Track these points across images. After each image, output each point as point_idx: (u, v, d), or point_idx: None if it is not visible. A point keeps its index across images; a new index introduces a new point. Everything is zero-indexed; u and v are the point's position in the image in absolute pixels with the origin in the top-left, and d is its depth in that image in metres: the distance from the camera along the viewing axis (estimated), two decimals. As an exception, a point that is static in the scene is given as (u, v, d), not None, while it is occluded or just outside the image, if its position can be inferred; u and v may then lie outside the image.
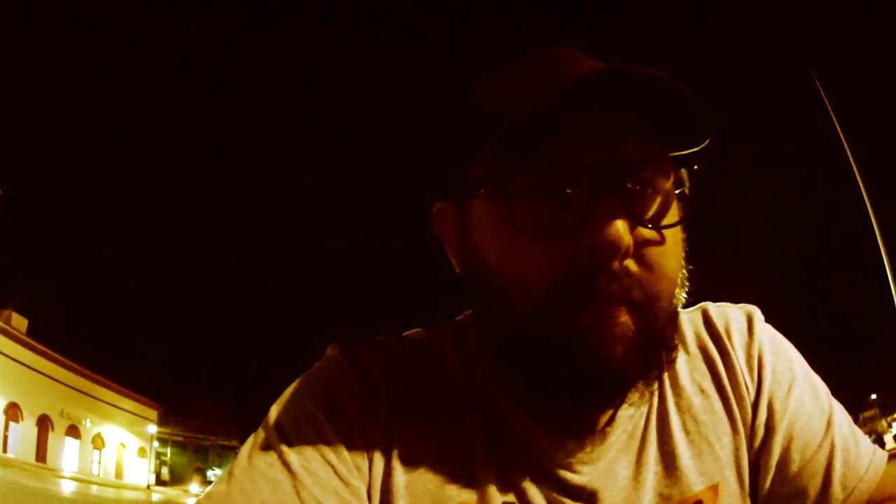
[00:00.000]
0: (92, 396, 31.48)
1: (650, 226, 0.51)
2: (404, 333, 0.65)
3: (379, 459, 0.55)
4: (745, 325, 0.65)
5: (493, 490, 0.55)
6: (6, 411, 24.84)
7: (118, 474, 32.55)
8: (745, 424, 0.61)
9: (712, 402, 0.61)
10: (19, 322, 27.53)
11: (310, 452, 0.52)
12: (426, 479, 0.55)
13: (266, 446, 0.53)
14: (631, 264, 0.50)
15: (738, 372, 0.62)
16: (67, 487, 20.02)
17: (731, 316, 0.65)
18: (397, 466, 0.55)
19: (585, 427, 0.57)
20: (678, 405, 0.61)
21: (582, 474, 0.57)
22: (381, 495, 0.54)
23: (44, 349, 27.96)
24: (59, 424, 28.52)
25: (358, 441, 0.54)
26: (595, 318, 0.49)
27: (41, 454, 26.92)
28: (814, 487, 0.58)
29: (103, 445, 32.30)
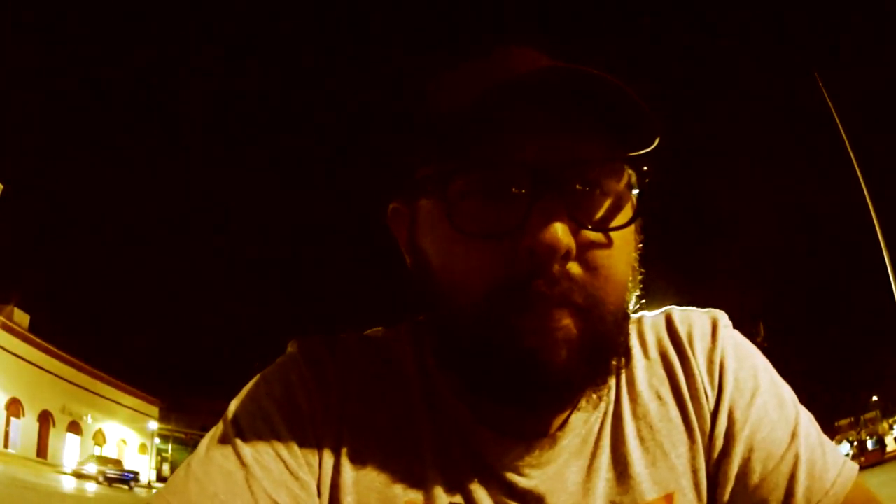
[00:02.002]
0: (93, 392, 31.59)
1: (593, 227, 0.49)
2: (366, 332, 0.65)
3: (329, 456, 0.55)
4: (708, 330, 0.63)
5: (439, 491, 0.55)
6: (8, 407, 24.94)
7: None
8: (703, 433, 0.59)
9: (669, 409, 0.60)
10: (21, 318, 27.65)
11: (263, 447, 0.53)
12: (373, 476, 0.55)
13: (223, 439, 0.54)
14: (574, 267, 0.49)
15: (698, 379, 0.60)
16: (68, 484, 20.06)
17: (695, 321, 0.63)
18: (346, 463, 0.55)
19: (536, 431, 0.56)
20: (634, 411, 0.60)
21: (530, 478, 0.56)
22: (330, 491, 0.55)
23: (46, 345, 28.07)
24: (61, 420, 28.64)
25: (310, 437, 0.55)
26: (534, 321, 0.48)
27: (42, 450, 27.02)
28: (775, 501, 0.56)
29: (104, 442, 32.42)
